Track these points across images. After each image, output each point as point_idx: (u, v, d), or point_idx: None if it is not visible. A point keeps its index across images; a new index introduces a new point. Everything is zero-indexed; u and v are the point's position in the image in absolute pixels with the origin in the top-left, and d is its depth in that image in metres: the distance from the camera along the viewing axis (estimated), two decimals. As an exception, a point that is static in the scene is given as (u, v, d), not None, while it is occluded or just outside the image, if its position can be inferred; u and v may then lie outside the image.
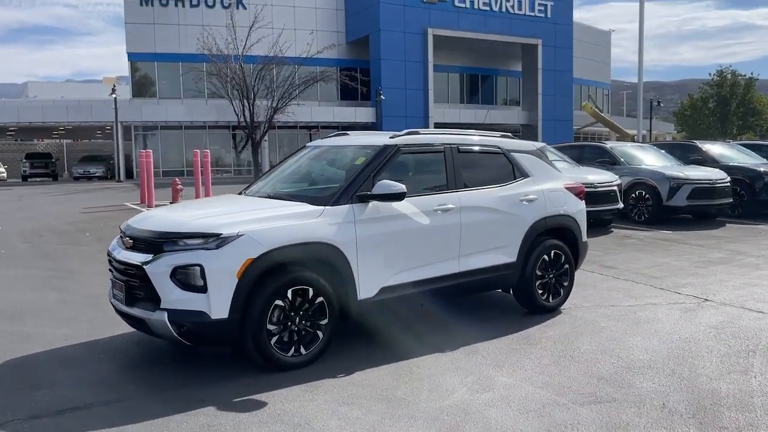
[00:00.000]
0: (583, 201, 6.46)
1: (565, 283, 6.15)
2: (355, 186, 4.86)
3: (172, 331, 4.16)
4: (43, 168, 42.89)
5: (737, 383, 4.20)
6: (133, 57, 38.01)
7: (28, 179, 41.14)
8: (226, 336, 4.24)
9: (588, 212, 11.56)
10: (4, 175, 43.77)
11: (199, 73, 33.91)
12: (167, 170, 36.05)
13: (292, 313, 4.43)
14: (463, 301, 6.52)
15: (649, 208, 13.05)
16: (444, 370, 4.49)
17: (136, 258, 4.37)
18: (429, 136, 5.56)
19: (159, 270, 4.19)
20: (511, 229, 5.70)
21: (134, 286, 4.37)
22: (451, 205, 5.27)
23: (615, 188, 12.12)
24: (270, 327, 4.31)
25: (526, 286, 5.86)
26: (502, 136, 6.18)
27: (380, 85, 38.99)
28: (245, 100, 31.44)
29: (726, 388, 4.12)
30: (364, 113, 39.87)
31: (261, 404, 3.86)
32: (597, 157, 14.48)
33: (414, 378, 4.33)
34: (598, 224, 12.57)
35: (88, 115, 36.21)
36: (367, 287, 4.78)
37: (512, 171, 5.92)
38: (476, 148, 5.80)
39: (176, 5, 38.07)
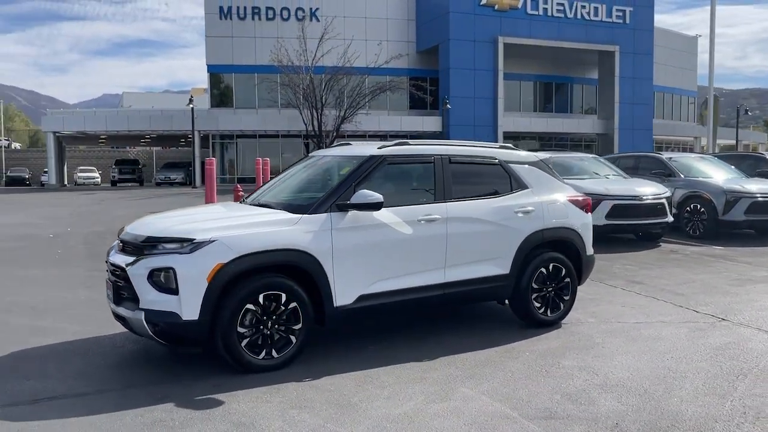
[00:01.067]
0: (589, 214, 6.31)
1: (566, 297, 6.03)
2: (335, 195, 4.99)
3: (148, 330, 4.42)
4: (130, 174, 45.53)
5: (708, 407, 4.02)
6: (212, 69, 39.75)
7: (117, 184, 43.74)
8: (197, 337, 4.45)
9: (633, 225, 11.40)
10: (98, 179, 46.78)
11: (272, 83, 35.04)
12: (242, 177, 37.41)
13: (265, 317, 4.59)
14: (464, 311, 6.52)
15: (704, 222, 12.47)
16: (411, 379, 4.53)
17: (122, 260, 4.67)
18: (419, 147, 5.62)
19: (138, 272, 4.47)
20: (504, 241, 5.66)
21: (120, 287, 4.67)
22: (436, 216, 5.31)
23: (663, 201, 11.65)
24: (241, 330, 4.49)
25: (521, 299, 5.80)
26: (501, 147, 6.15)
27: (449, 94, 38.95)
28: (314, 110, 32.23)
29: (693, 411, 3.96)
30: (431, 122, 39.95)
31: (217, 403, 4.04)
32: (653, 168, 13.96)
33: (377, 385, 4.39)
34: (647, 238, 12.13)
35: (169, 124, 38.14)
36: (344, 294, 4.89)
37: (509, 182, 5.88)
38: (470, 159, 5.80)
39: (253, 18, 39.53)
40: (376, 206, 4.93)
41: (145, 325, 4.42)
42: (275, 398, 4.13)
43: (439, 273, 5.33)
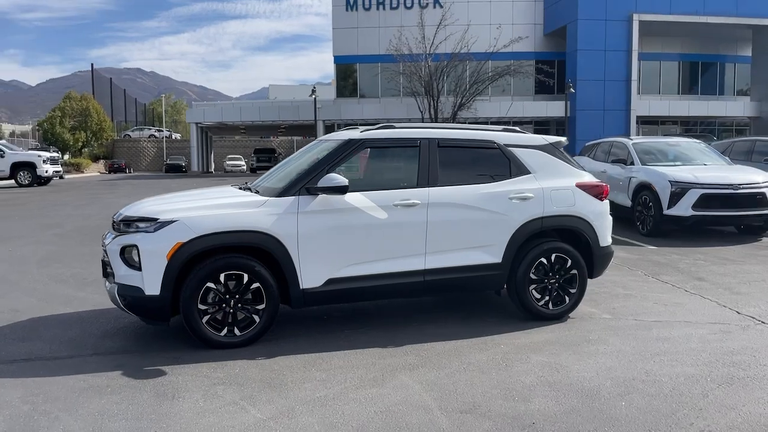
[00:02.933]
0: (604, 201, 5.83)
1: (572, 291, 5.64)
2: (306, 178, 5.03)
3: (119, 302, 4.76)
4: (267, 161, 48.30)
5: (654, 414, 3.63)
6: (338, 60, 40.98)
7: (256, 171, 46.65)
8: (159, 311, 4.71)
9: (729, 217, 10.28)
10: (245, 167, 50.21)
11: (393, 73, 35.45)
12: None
13: (228, 296, 4.76)
14: (472, 299, 6.32)
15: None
16: (360, 364, 4.49)
17: (108, 238, 5.05)
18: (405, 131, 5.49)
19: (113, 248, 4.82)
20: (495, 228, 5.40)
21: (105, 263, 5.06)
22: (415, 201, 5.17)
23: (765, 190, 10.42)
24: (202, 307, 4.69)
25: (517, 290, 5.51)
26: (504, 130, 5.85)
27: (576, 77, 37.16)
28: (430, 97, 32.21)
29: (634, 417, 3.59)
30: (555, 108, 38.40)
31: (159, 373, 4.26)
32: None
33: (321, 369, 4.40)
34: (747, 231, 10.94)
35: (295, 114, 39.89)
36: (311, 277, 4.93)
37: (509, 167, 5.58)
38: (463, 143, 5.57)
39: (378, 9, 40.15)
40: (341, 190, 4.92)
41: (117, 298, 4.76)
42: (215, 373, 4.29)
43: (418, 259, 5.21)
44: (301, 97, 56.79)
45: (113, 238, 4.88)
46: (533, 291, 5.53)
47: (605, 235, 5.80)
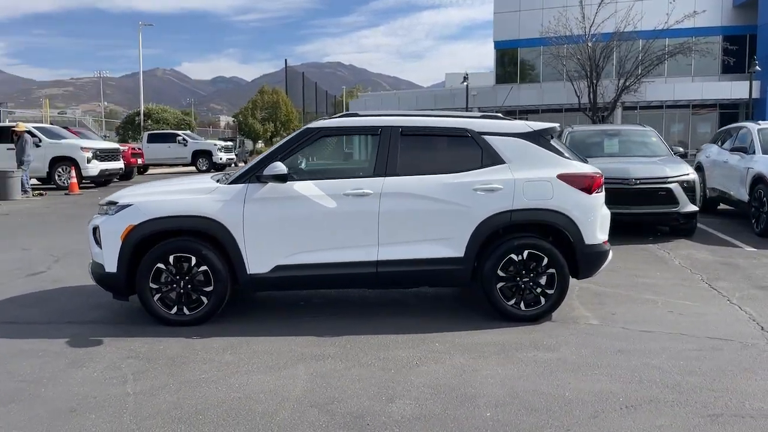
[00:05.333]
0: (594, 194, 5.23)
1: (550, 292, 5.16)
2: (258, 167, 5.16)
3: (91, 277, 5.29)
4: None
5: (505, 425, 3.28)
6: (498, 45, 40.15)
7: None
8: (117, 287, 5.14)
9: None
10: None
11: (552, 56, 33.85)
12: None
13: (178, 277, 5.07)
14: (462, 294, 6.04)
15: None
16: (275, 351, 4.51)
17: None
18: (366, 118, 5.37)
19: (89, 228, 5.35)
20: (456, 221, 5.10)
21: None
22: (368, 191, 5.07)
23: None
24: (153, 285, 5.05)
25: (483, 287, 5.18)
26: (483, 117, 5.47)
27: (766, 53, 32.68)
28: (589, 81, 30.32)
29: (481, 425, 3.29)
30: (740, 89, 34.05)
31: (94, 343, 4.69)
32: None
33: (236, 352, 4.51)
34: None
35: (451, 102, 39.76)
36: (257, 263, 5.07)
37: (480, 156, 5.23)
38: (430, 131, 5.32)
39: (541, -11, 38.56)
40: (282, 178, 4.98)
41: (90, 274, 5.29)
42: (140, 348, 4.60)
43: (371, 250, 5.11)
44: (479, 83, 56.49)
45: (91, 220, 5.41)
46: (502, 289, 5.16)
47: (592, 232, 5.21)
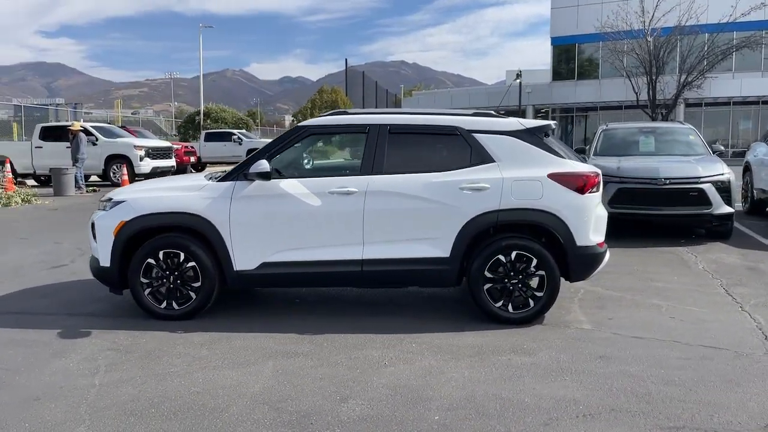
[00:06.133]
0: (588, 195, 5.03)
1: (539, 294, 5.01)
2: (246, 165, 5.21)
3: (91, 271, 5.47)
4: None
5: (448, 428, 3.21)
6: (555, 41, 39.24)
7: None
8: (111, 281, 5.30)
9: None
10: None
11: (608, 52, 32.91)
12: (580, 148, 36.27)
13: (168, 272, 5.18)
14: (455, 295, 5.93)
15: None
16: (251, 347, 4.55)
17: (95, 215, 5.78)
18: (354, 116, 5.35)
19: (89, 224, 5.54)
20: (442, 220, 5.01)
21: (95, 237, 5.80)
22: (353, 189, 5.05)
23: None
24: (144, 280, 5.18)
25: (471, 288, 5.07)
26: (474, 114, 5.35)
27: None
28: (649, 77, 29.31)
29: (425, 427, 3.23)
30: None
31: (81, 335, 4.85)
32: None
33: (213, 348, 4.55)
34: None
35: (505, 100, 39.13)
36: (244, 260, 5.13)
37: (469, 155, 5.12)
38: (418, 129, 5.25)
39: (601, -17, 37.46)
40: (265, 176, 5.02)
41: (90, 267, 5.48)
42: (125, 340, 4.73)
43: (356, 249, 5.08)
44: (536, 81, 55.52)
45: (93, 214, 5.60)
46: (490, 291, 5.04)
47: (584, 233, 5.02)
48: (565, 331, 4.91)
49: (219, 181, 5.24)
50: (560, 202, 4.98)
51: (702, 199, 8.52)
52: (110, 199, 5.37)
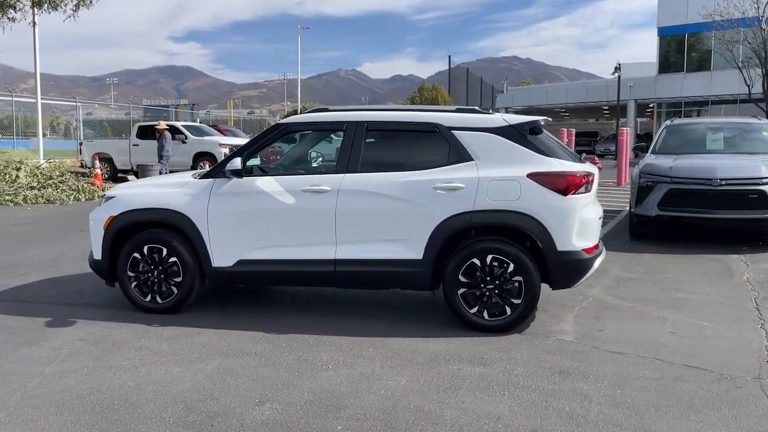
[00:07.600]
0: (571, 196, 4.64)
1: (516, 302, 4.69)
2: (226, 162, 5.24)
3: (90, 264, 5.73)
4: (586, 145, 46.42)
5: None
6: (662, 32, 36.90)
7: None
8: (103, 273, 5.50)
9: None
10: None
11: (718, 41, 30.48)
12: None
13: (152, 267, 5.32)
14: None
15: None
16: (208, 344, 4.56)
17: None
18: (331, 114, 5.22)
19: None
20: (414, 221, 4.80)
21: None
22: (326, 188, 4.95)
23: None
24: (130, 273, 5.34)
25: (445, 292, 4.84)
26: (457, 111, 5.07)
27: None
28: (763, 68, 26.91)
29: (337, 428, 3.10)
30: None
31: (62, 324, 5.06)
32: None
33: (177, 343, 4.60)
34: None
35: (604, 94, 37.27)
36: (221, 256, 5.17)
37: (447, 153, 4.88)
38: (396, 126, 5.05)
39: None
40: (236, 173, 5.03)
41: (88, 261, 5.74)
42: (100, 332, 4.89)
43: (328, 248, 4.98)
44: (641, 74, 52.65)
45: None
46: (464, 296, 4.78)
47: (566, 238, 4.63)
48: (541, 342, 4.56)
49: (200, 178, 5.31)
50: (539, 203, 4.63)
51: (762, 201, 7.66)
52: (104, 194, 5.58)
